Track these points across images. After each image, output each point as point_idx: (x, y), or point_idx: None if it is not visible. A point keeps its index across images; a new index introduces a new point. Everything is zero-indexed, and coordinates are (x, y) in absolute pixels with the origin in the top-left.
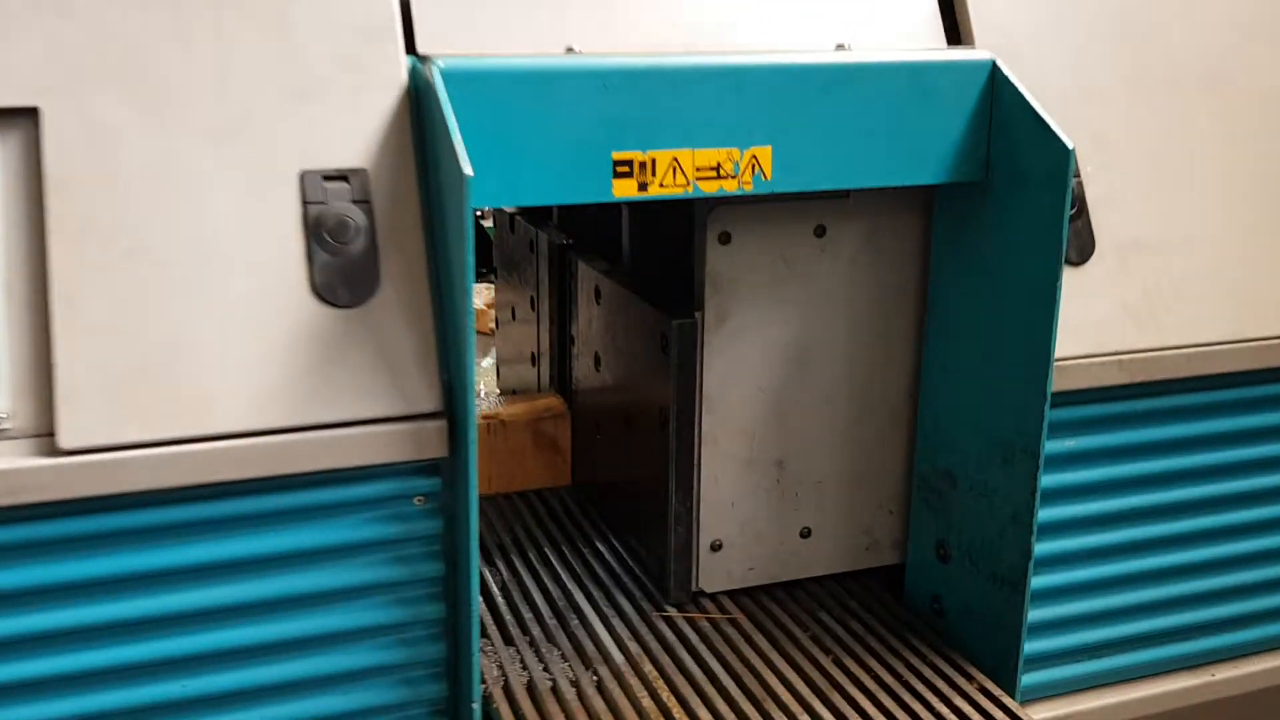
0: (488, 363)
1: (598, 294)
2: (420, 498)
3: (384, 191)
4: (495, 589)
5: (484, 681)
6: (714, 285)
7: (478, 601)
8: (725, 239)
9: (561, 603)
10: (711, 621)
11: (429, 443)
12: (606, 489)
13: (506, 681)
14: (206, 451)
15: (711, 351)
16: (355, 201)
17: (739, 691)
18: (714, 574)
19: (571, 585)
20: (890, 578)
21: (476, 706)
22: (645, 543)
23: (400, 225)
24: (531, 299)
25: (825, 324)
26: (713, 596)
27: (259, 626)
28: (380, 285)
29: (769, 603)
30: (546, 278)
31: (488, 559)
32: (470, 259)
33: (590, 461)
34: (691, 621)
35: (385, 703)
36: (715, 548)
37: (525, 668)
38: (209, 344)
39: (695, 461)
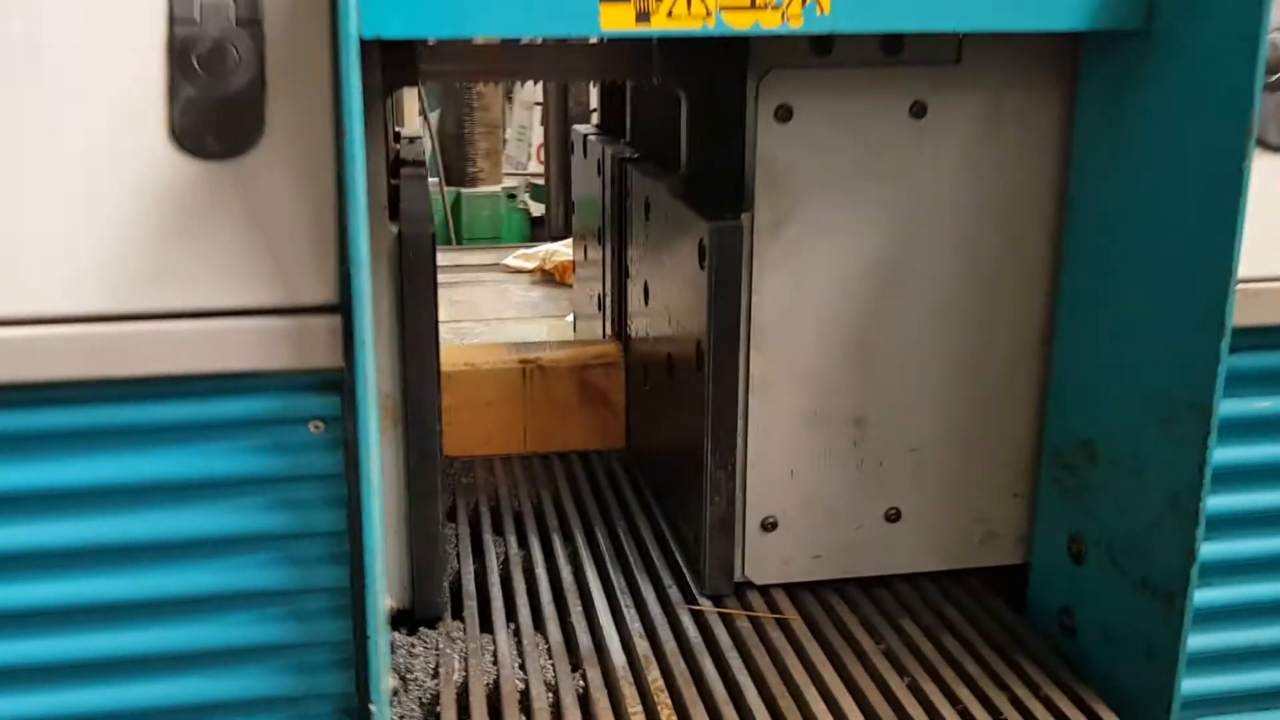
0: (569, 320)
1: (648, 208)
2: (317, 422)
3: (281, 11)
4: (494, 563)
5: (435, 677)
6: (768, 178)
7: (379, 567)
8: (784, 115)
9: (568, 584)
10: (754, 621)
11: (316, 346)
12: (653, 452)
13: (465, 679)
14: (16, 340)
15: (764, 267)
16: (240, 23)
17: (767, 716)
18: (765, 561)
19: (588, 565)
20: (1011, 582)
21: (375, 708)
22: (685, 518)
23: (299, 57)
24: (598, 231)
25: (924, 236)
26: (763, 590)
27: (90, 580)
28: (264, 134)
29: (836, 603)
30: (609, 201)
31: (497, 528)
32: (353, 95)
33: (642, 419)
34: (727, 619)
35: (271, 693)
36: (768, 527)
37: (495, 662)
38: (27, 198)
39: (740, 412)
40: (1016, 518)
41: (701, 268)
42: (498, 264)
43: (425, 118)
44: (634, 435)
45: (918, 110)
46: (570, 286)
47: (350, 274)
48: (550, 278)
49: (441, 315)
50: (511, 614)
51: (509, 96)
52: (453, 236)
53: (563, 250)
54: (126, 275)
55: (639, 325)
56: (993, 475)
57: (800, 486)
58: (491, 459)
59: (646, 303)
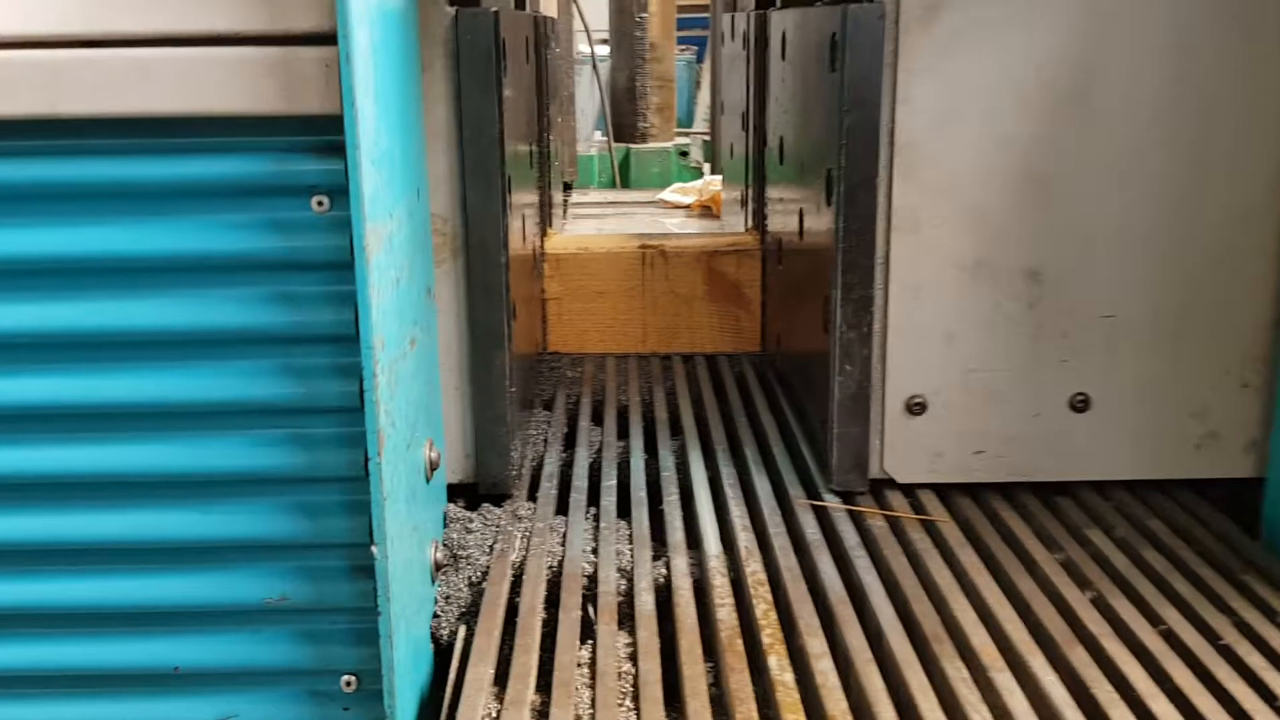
0: None
1: (784, 44)
2: (320, 197)
3: None
4: (585, 451)
5: (488, 553)
6: None
7: (382, 382)
8: None
9: (667, 476)
10: (891, 521)
11: (307, 84)
12: (786, 344)
13: (524, 558)
14: None
15: (912, 69)
16: None
17: (898, 625)
18: (909, 452)
19: (695, 459)
20: (1239, 500)
21: (378, 550)
22: (812, 399)
23: None
24: (742, 117)
25: (1124, 35)
26: (907, 490)
27: (38, 379)
28: None
29: (1002, 508)
30: (751, 70)
31: (597, 418)
32: None
33: (776, 309)
34: (857, 518)
35: (274, 535)
36: (914, 409)
37: (564, 544)
38: None
39: (880, 258)
40: (1245, 414)
41: (833, 70)
42: (656, 200)
43: (595, 70)
44: (768, 332)
45: None
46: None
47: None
48: (709, 212)
49: None
50: (594, 499)
51: (698, 82)
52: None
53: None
54: None
55: (773, 195)
56: (1213, 356)
57: (957, 357)
58: (604, 357)
59: (781, 160)
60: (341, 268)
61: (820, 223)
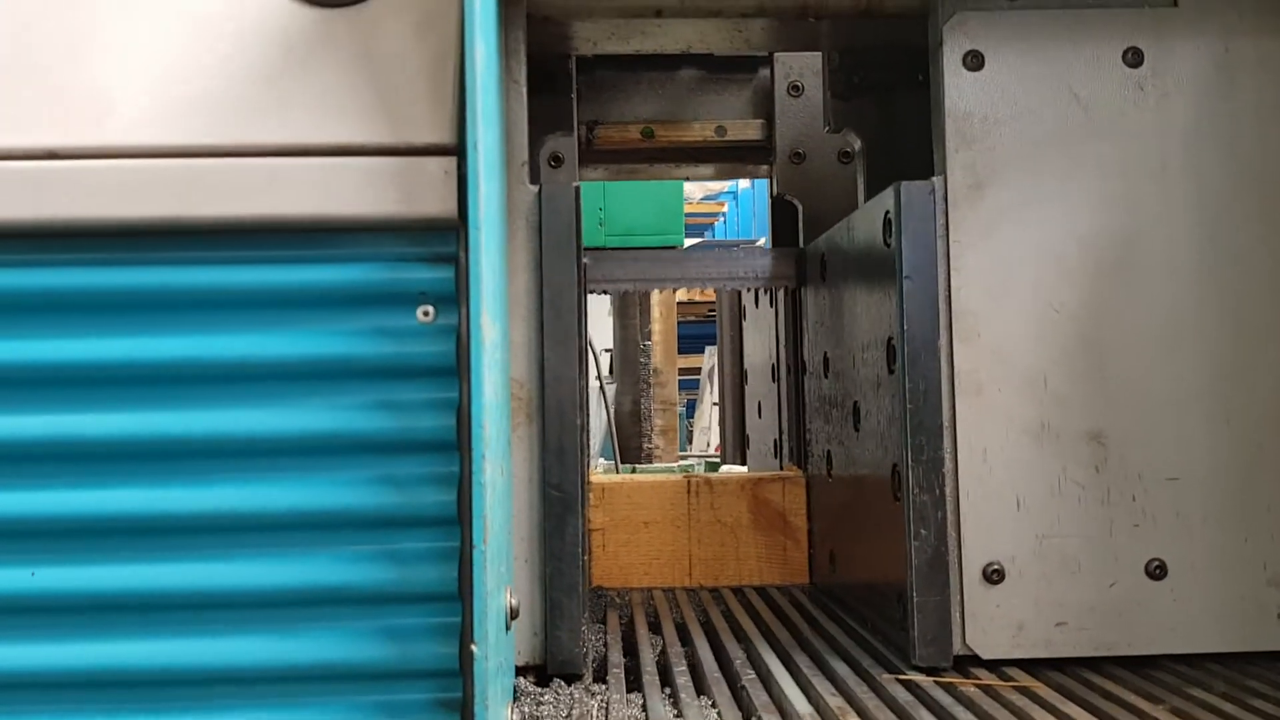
0: None
1: (823, 263)
2: (426, 308)
3: None
4: (650, 654)
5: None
6: (960, 135)
7: (486, 477)
8: (975, 62)
9: (739, 660)
10: (986, 690)
11: (426, 190)
12: (843, 565)
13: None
14: (100, 171)
15: (964, 240)
16: None
17: None
18: (993, 626)
19: (766, 652)
20: None
21: (478, 649)
22: (885, 577)
23: None
24: (772, 368)
25: (1156, 208)
26: (991, 667)
27: (124, 490)
28: None
29: (1095, 677)
30: (782, 316)
31: (654, 629)
32: None
33: (829, 529)
34: (950, 688)
35: (358, 661)
36: (992, 578)
37: (644, 710)
38: (113, 22)
39: (945, 421)
40: None
41: (887, 246)
42: None
43: (603, 391)
44: (818, 559)
45: (1133, 58)
46: None
47: (465, 102)
48: None
49: None
50: (667, 680)
51: (690, 435)
52: None
53: None
54: (222, 110)
55: (817, 413)
56: None
57: (1030, 523)
58: (651, 590)
59: (826, 373)
60: (444, 374)
61: (882, 398)
